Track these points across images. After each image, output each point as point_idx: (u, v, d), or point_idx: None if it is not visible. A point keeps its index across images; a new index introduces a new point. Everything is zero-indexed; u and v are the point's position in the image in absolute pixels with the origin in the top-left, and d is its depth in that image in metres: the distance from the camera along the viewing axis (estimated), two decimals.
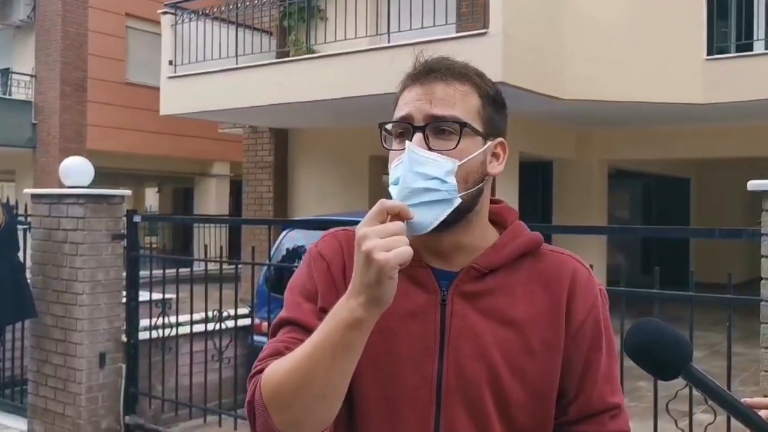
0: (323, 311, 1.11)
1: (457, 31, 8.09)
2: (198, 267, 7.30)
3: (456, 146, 1.12)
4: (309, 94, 8.74)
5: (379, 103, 8.67)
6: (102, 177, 5.24)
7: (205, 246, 11.83)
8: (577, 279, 1.21)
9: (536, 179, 12.12)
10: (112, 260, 5.02)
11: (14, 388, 5.68)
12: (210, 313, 5.09)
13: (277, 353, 1.11)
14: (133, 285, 5.18)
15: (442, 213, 1.10)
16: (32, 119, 15.08)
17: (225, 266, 5.02)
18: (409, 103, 1.16)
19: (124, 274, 5.13)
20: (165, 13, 10.35)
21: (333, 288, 1.17)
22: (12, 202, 5.82)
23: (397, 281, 1.02)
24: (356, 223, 1.05)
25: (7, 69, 15.97)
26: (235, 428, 4.75)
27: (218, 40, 9.69)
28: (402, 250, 0.98)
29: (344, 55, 8.47)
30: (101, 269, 4.96)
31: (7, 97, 15.41)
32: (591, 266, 1.28)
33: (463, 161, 1.13)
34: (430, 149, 1.11)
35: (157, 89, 10.63)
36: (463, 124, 1.13)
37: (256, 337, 5.08)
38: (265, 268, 5.54)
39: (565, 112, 9.29)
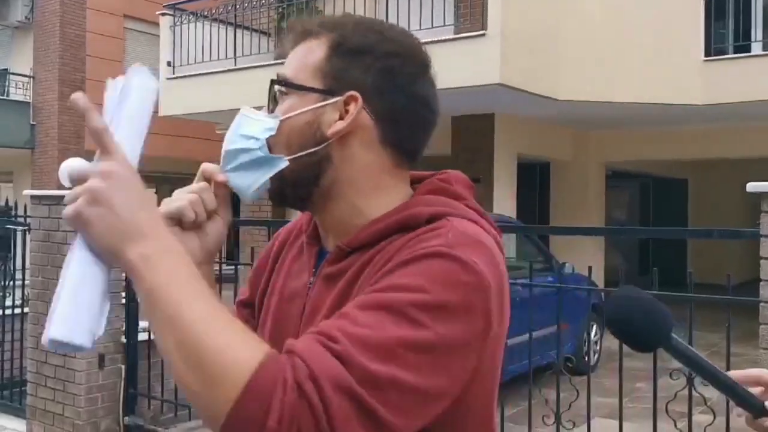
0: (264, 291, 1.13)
1: (456, 33, 8.11)
2: None
3: (276, 106, 1.02)
4: None
5: None
6: None
7: None
8: (422, 234, 0.92)
9: (534, 180, 12.14)
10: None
11: (13, 389, 5.67)
12: None
13: None
14: (132, 286, 5.17)
15: (262, 176, 0.99)
16: (30, 120, 15.08)
17: (224, 267, 5.03)
18: None
19: (123, 275, 5.13)
20: (164, 14, 10.36)
21: (267, 259, 1.16)
22: (11, 203, 5.82)
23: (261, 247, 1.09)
24: None
25: (5, 70, 15.96)
26: None
27: (217, 41, 9.70)
28: (172, 204, 1.00)
29: None
30: None
31: (5, 98, 15.40)
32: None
33: (283, 117, 0.99)
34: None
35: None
36: (275, 82, 1.02)
37: None
38: None
39: (562, 113, 9.31)
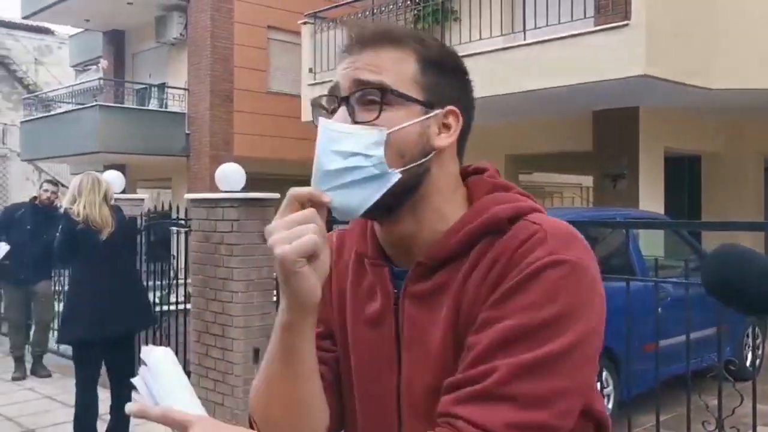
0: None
1: (596, 25, 7.86)
2: None
3: (378, 116, 0.96)
4: None
5: (515, 101, 8.60)
6: (248, 181, 5.53)
7: None
8: (521, 245, 0.93)
9: (683, 175, 11.52)
10: (263, 260, 5.30)
11: None
12: None
13: None
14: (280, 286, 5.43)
15: (375, 192, 0.95)
16: (186, 129, 16.17)
17: None
18: (338, 74, 1.02)
19: (275, 273, 5.40)
20: (305, 23, 10.79)
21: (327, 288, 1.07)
22: (173, 207, 6.29)
23: (350, 278, 1.07)
24: None
25: (164, 84, 17.21)
26: None
27: None
28: (304, 240, 0.88)
29: (479, 55, 8.46)
30: (254, 269, 5.25)
31: (164, 110, 16.62)
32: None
33: (392, 129, 0.96)
34: (356, 123, 0.97)
35: (296, 97, 11.08)
36: (384, 90, 0.96)
37: None
38: None
39: (714, 102, 8.78)
